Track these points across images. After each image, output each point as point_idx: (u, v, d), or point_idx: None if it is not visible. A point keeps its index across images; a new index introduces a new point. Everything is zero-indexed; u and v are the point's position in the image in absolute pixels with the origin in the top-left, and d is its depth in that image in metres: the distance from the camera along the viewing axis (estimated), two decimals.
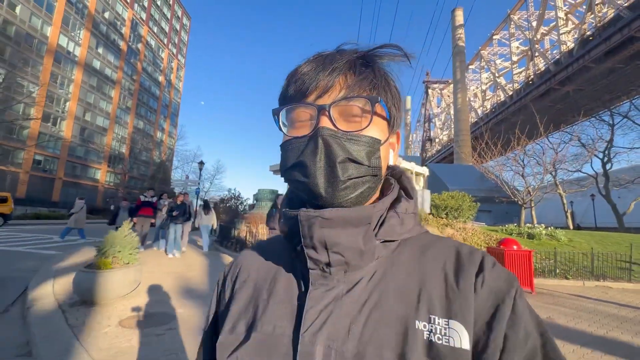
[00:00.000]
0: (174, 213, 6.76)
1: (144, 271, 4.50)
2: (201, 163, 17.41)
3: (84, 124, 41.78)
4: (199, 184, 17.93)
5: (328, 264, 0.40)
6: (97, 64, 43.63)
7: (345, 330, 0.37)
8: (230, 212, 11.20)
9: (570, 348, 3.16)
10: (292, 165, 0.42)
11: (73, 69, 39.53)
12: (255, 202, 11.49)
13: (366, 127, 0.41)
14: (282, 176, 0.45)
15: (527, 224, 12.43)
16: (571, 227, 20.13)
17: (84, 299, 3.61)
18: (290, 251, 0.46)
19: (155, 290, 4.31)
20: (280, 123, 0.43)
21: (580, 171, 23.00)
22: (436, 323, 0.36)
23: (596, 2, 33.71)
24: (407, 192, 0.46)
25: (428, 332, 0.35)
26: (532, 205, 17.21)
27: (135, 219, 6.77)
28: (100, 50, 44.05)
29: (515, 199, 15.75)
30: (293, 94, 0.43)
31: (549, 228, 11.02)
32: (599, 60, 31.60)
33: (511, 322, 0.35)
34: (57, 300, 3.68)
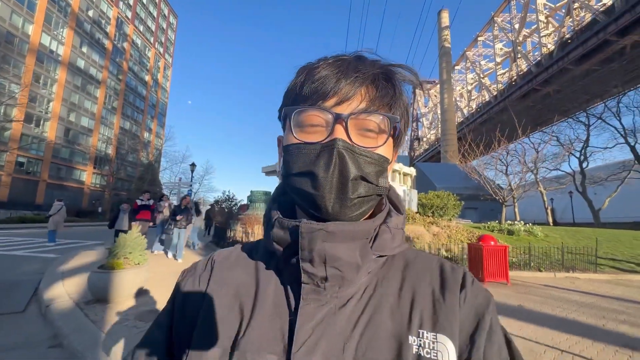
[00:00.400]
0: (178, 217, 6.97)
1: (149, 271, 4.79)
2: (193, 165, 17.52)
3: (68, 124, 40.89)
4: (191, 186, 18.03)
5: (324, 279, 0.38)
6: (81, 63, 42.73)
7: (339, 349, 0.35)
8: (225, 213, 11.46)
9: (533, 328, 3.67)
10: (299, 172, 0.40)
11: (56, 68, 38.64)
12: (249, 203, 11.79)
13: (381, 145, 0.40)
14: (283, 181, 0.44)
15: (508, 221, 13.16)
16: (551, 223, 21.17)
17: (98, 298, 3.89)
18: (274, 261, 0.44)
19: (163, 288, 4.62)
20: (292, 123, 0.41)
21: (558, 169, 24.22)
22: (424, 337, 0.36)
23: (574, 7, 35.18)
24: (395, 207, 0.47)
25: (417, 347, 0.35)
26: (515, 202, 18.09)
27: (133, 223, 6.90)
28: (84, 49, 43.14)
29: (497, 198, 16.52)
30: (308, 95, 0.40)
31: (528, 225, 11.75)
32: (576, 62, 33.05)
33: (488, 336, 0.38)
34: (72, 299, 3.96)
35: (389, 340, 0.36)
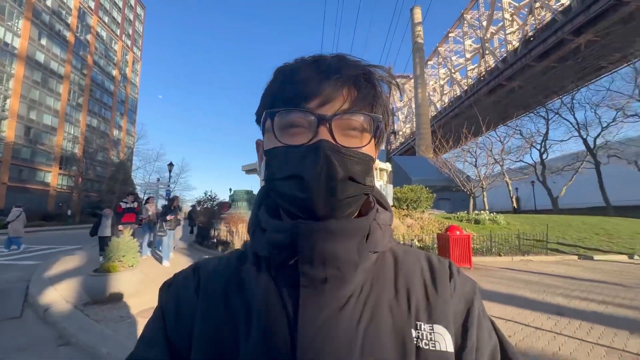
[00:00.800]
0: (169, 217, 7.04)
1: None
2: (170, 165, 17.27)
3: (29, 123, 38.40)
4: (169, 186, 17.82)
5: (324, 280, 0.37)
6: (40, 56, 40.02)
7: (346, 351, 0.35)
8: (207, 213, 11.61)
9: (487, 303, 4.30)
10: (284, 176, 0.39)
11: (12, 62, 36.01)
12: (231, 202, 11.97)
13: (365, 145, 0.40)
14: (267, 185, 0.43)
15: (475, 211, 14.23)
16: (515, 210, 22.90)
17: (96, 299, 4.11)
18: (266, 267, 0.42)
19: (156, 288, 4.86)
20: (274, 125, 0.39)
21: (522, 161, 26.13)
22: (422, 329, 0.37)
23: (536, 6, 37.32)
24: (380, 204, 0.47)
25: (416, 339, 0.36)
26: (484, 193, 19.43)
27: (120, 227, 6.89)
28: (43, 41, 40.39)
29: (465, 190, 17.69)
30: (290, 97, 0.39)
31: (492, 214, 12.82)
32: (538, 59, 35.21)
33: (479, 323, 0.40)
34: (70, 302, 4.14)
35: (392, 336, 0.36)
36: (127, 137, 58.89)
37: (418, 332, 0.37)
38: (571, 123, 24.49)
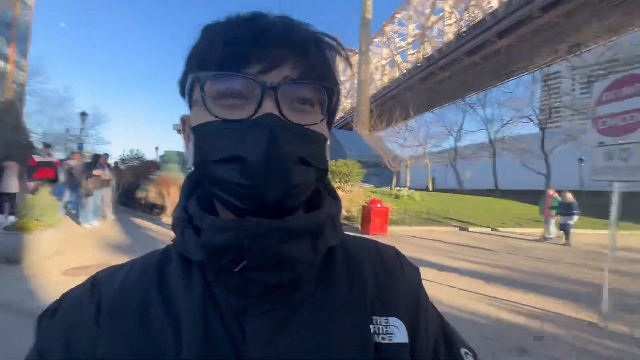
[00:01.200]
0: (95, 172, 6.27)
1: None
2: (84, 114, 14.95)
3: None
4: (80, 138, 15.63)
5: (277, 286, 0.32)
6: None
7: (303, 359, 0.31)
8: (134, 173, 10.74)
9: None
10: (221, 159, 0.31)
11: None
12: (161, 163, 11.19)
13: (319, 122, 0.34)
14: (198, 170, 0.35)
15: (397, 188, 16.11)
16: (431, 189, 26.46)
17: (9, 259, 3.80)
18: (198, 274, 0.34)
19: (80, 249, 4.65)
20: (205, 95, 0.31)
21: (440, 146, 29.85)
22: (378, 323, 0.35)
23: (471, 4, 40.58)
24: (329, 192, 0.41)
25: (374, 334, 0.34)
26: (407, 170, 21.87)
27: (32, 184, 5.94)
28: None
29: (390, 168, 19.73)
30: (224, 60, 0.31)
31: (411, 190, 14.76)
32: (467, 54, 38.97)
33: (425, 308, 0.40)
34: None
35: (351, 336, 0.33)
36: (17, 71, 47.59)
37: (375, 327, 0.34)
38: (481, 117, 28.59)
